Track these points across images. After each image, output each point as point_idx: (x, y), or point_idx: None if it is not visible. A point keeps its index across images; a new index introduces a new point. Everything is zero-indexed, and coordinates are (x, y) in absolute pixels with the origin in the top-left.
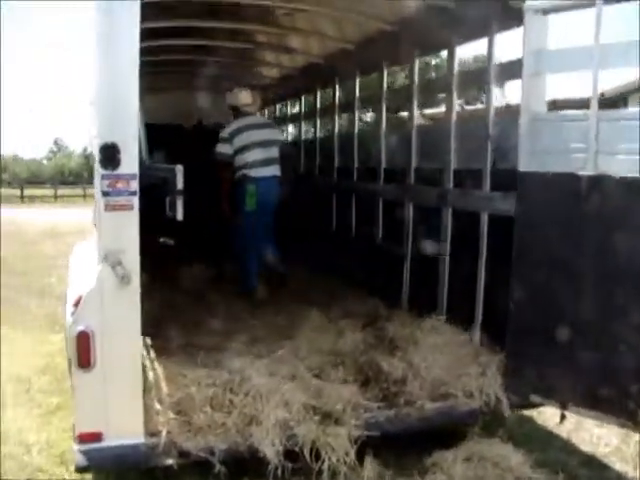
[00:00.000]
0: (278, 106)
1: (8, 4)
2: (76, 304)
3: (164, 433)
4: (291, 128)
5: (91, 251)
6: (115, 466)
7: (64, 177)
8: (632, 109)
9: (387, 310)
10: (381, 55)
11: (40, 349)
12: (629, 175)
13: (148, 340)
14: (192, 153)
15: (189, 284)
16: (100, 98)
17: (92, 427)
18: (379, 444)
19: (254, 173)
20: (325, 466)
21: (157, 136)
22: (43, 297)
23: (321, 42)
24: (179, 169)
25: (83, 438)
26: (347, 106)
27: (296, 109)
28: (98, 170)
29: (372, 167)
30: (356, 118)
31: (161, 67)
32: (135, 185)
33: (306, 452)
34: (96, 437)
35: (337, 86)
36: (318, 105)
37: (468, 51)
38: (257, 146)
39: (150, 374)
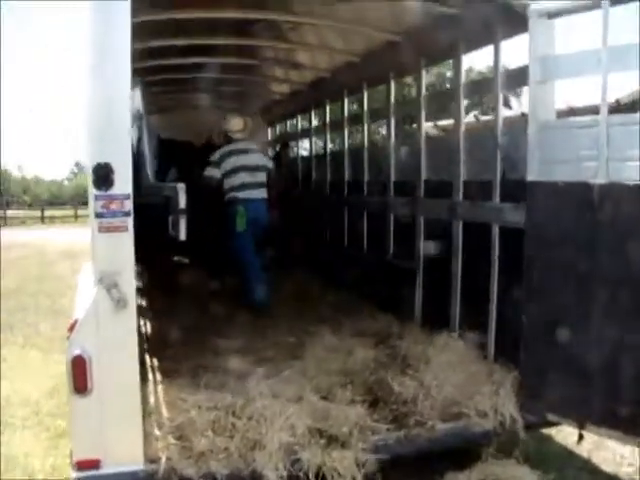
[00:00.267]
0: (288, 122)
1: (8, 4)
2: (71, 328)
3: (164, 459)
4: (301, 143)
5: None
6: None
7: (85, 197)
8: None
9: (399, 327)
10: (387, 66)
11: (50, 370)
12: None
13: (155, 361)
14: (202, 170)
15: (200, 302)
16: (92, 116)
17: (90, 454)
18: (388, 467)
19: (242, 195)
20: None
21: (169, 153)
22: (56, 317)
23: (327, 56)
24: (181, 187)
25: (81, 465)
26: (355, 120)
27: (305, 124)
28: (91, 190)
29: (382, 180)
30: (365, 131)
31: (171, 85)
32: (129, 205)
33: (311, 477)
34: (94, 464)
35: (345, 100)
36: (327, 119)
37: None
38: (244, 170)
39: (150, 398)
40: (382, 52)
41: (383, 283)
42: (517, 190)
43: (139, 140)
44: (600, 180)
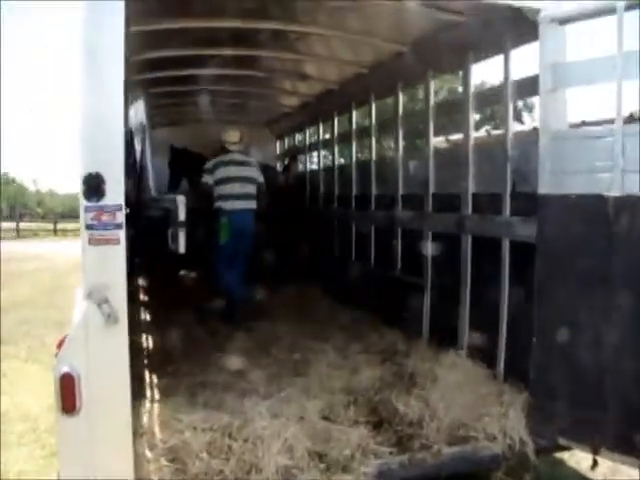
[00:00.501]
0: (296, 135)
1: (8, 4)
2: (60, 344)
3: None
4: (309, 156)
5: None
6: None
7: None
8: None
9: (406, 344)
10: (395, 77)
11: (52, 385)
12: None
13: (154, 378)
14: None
15: (204, 316)
16: (84, 124)
17: (78, 476)
18: None
19: (227, 206)
20: None
21: (181, 165)
22: (63, 331)
23: (335, 67)
24: (181, 200)
25: None
26: (363, 132)
27: (313, 137)
28: (81, 201)
29: (390, 194)
30: (373, 144)
31: (180, 97)
32: (121, 217)
33: None
34: None
35: (353, 112)
36: (335, 132)
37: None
38: (234, 181)
39: (143, 418)
40: (390, 63)
41: (390, 298)
42: (528, 203)
43: (142, 152)
44: (615, 192)
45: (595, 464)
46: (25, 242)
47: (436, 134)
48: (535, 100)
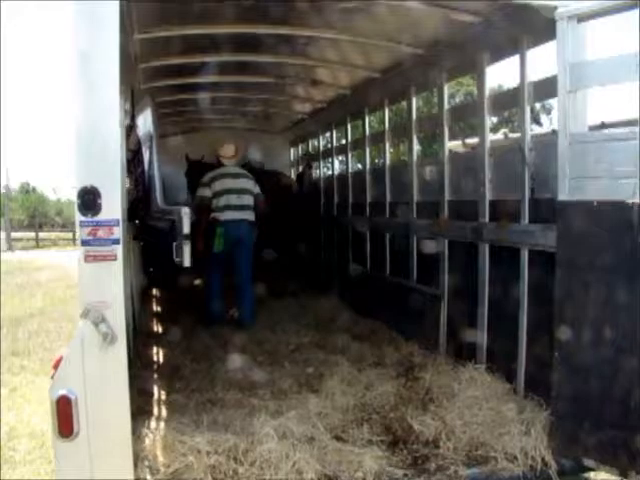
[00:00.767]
0: (310, 142)
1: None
2: (56, 365)
3: None
4: (323, 163)
5: None
6: None
7: None
8: None
9: (423, 357)
10: (408, 81)
11: None
12: None
13: (163, 395)
14: None
15: (216, 330)
16: (77, 134)
17: None
18: None
19: (223, 217)
20: None
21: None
22: None
23: (348, 72)
24: (185, 212)
25: None
26: (377, 138)
27: (327, 143)
28: (77, 216)
29: (405, 202)
30: (387, 150)
31: (192, 106)
32: (118, 232)
33: None
34: None
35: (366, 117)
36: (349, 138)
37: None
38: (230, 193)
39: (145, 440)
40: (403, 66)
41: (406, 309)
42: (547, 210)
43: (150, 163)
44: (639, 199)
45: None
46: (43, 251)
47: (451, 138)
48: (553, 102)
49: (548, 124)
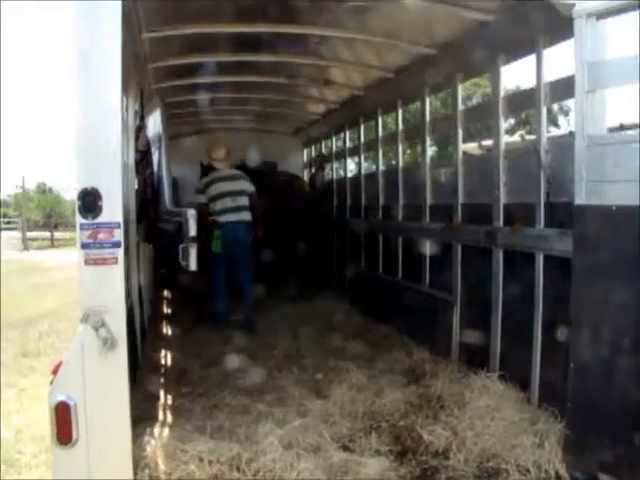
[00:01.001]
0: (322, 143)
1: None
2: (55, 370)
3: None
4: (336, 164)
5: None
6: None
7: None
8: None
9: (434, 363)
10: (421, 82)
11: None
12: None
13: (169, 399)
14: None
15: (225, 334)
16: (78, 135)
17: None
18: None
19: (221, 219)
20: None
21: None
22: None
23: (361, 72)
24: (191, 214)
25: None
26: (390, 139)
27: (340, 145)
28: (77, 219)
29: (418, 205)
30: (399, 152)
31: (203, 107)
32: (119, 235)
33: None
34: None
35: (379, 118)
36: (361, 139)
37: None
38: (226, 196)
39: (146, 448)
40: (417, 66)
41: (418, 314)
42: (564, 215)
43: (158, 164)
44: None
45: None
46: (58, 251)
47: (467, 140)
48: (571, 103)
49: (566, 125)
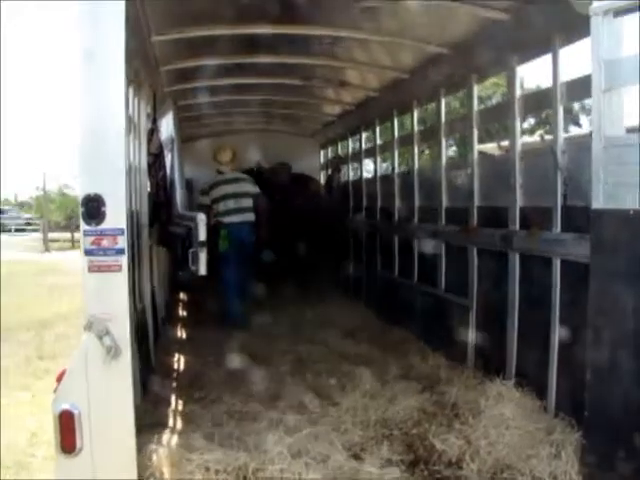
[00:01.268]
0: (339, 144)
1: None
2: (59, 378)
3: None
4: (352, 166)
5: None
6: None
7: None
8: None
9: (449, 370)
10: (437, 82)
11: None
12: None
13: (180, 405)
14: None
15: (240, 339)
16: (82, 140)
17: None
18: None
19: (226, 220)
20: None
21: None
22: None
23: (376, 73)
24: (201, 219)
25: None
26: (405, 141)
27: (356, 146)
28: (81, 225)
29: (434, 207)
30: (415, 153)
31: (218, 109)
32: (123, 242)
33: None
34: None
35: (395, 119)
36: (377, 141)
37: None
38: (230, 197)
39: (152, 456)
40: (431, 67)
41: (434, 319)
42: (581, 219)
43: (171, 167)
44: None
45: None
46: (78, 252)
47: (485, 140)
48: (588, 102)
49: (588, 125)
